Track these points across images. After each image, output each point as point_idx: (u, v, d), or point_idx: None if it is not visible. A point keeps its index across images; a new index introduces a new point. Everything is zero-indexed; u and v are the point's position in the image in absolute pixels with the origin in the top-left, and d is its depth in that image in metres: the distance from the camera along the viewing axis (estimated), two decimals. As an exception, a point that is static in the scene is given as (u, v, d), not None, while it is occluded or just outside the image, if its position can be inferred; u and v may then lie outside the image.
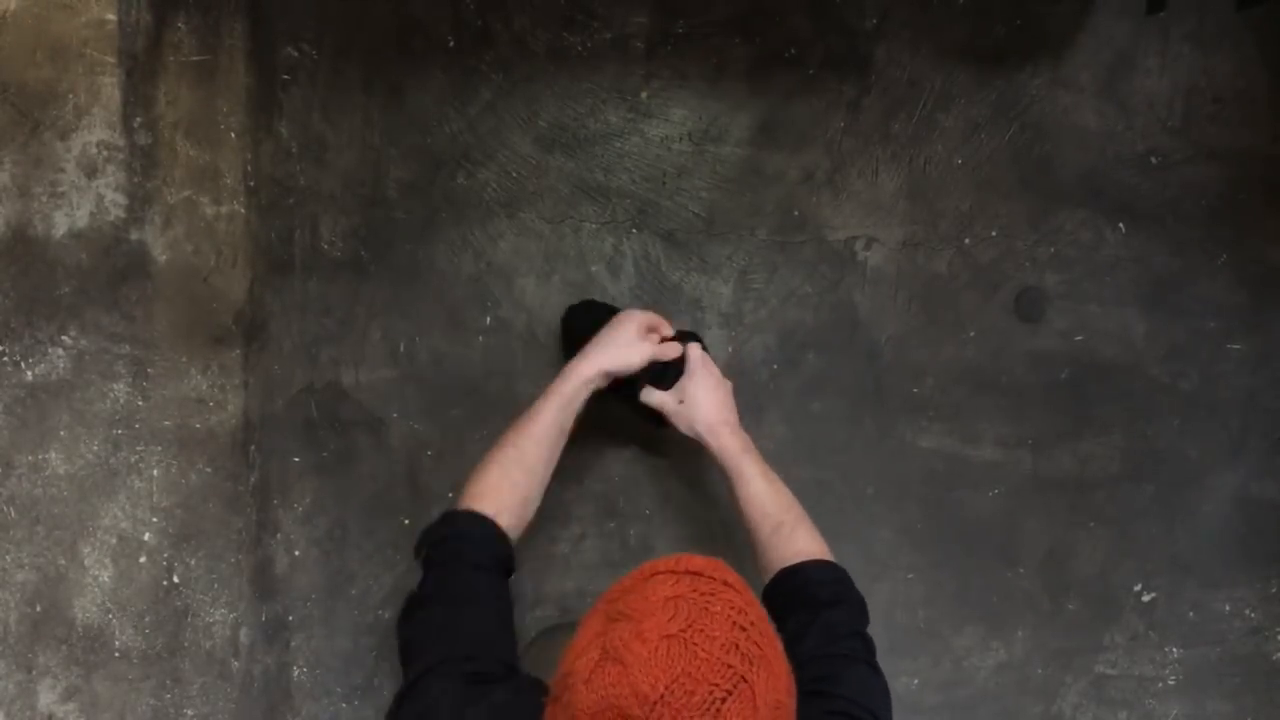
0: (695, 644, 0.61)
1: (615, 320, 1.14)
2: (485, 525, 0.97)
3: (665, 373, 1.16)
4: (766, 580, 1.03)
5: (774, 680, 0.64)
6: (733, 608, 0.65)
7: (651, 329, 1.16)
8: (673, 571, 0.67)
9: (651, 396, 1.15)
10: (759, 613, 0.67)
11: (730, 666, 0.61)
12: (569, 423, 1.08)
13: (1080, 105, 1.35)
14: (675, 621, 0.62)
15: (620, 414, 1.24)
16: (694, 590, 0.65)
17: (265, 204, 1.35)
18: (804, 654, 0.69)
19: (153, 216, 1.35)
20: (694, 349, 1.16)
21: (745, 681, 0.62)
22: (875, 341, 1.34)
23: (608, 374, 1.11)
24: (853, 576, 1.30)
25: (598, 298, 1.32)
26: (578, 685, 0.62)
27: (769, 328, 1.34)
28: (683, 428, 1.14)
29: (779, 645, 0.67)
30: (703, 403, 1.13)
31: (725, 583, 0.67)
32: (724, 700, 0.60)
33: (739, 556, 1.30)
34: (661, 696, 0.60)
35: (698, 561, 0.68)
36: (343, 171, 1.35)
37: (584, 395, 1.09)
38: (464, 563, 0.94)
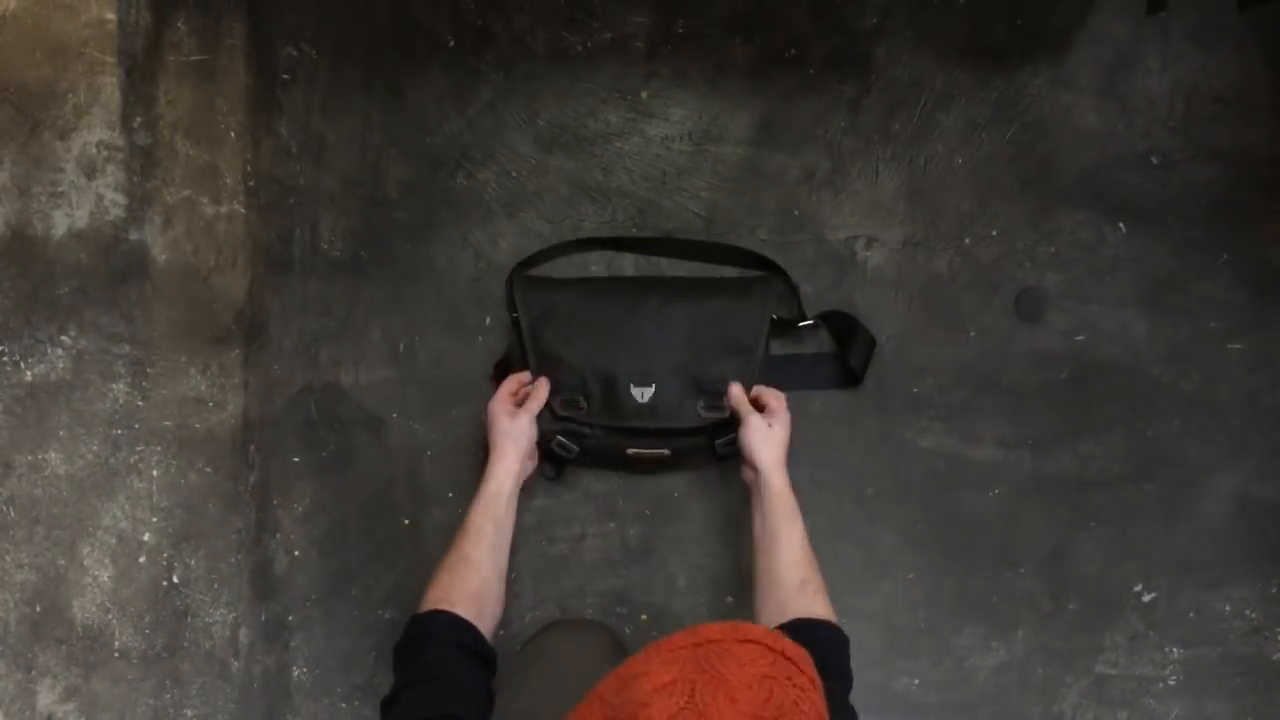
0: None
1: (490, 421, 1.19)
2: (444, 615, 1.01)
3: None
4: (769, 615, 1.05)
5: None
6: (817, 713, 0.64)
7: (513, 394, 1.22)
8: (768, 647, 0.65)
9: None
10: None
11: None
12: (506, 515, 1.14)
13: (1080, 105, 1.35)
14: (769, 707, 0.61)
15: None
16: (788, 679, 0.63)
17: (265, 204, 1.35)
18: None
19: (152, 216, 1.35)
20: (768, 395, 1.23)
21: None
22: (875, 341, 1.34)
23: (522, 463, 1.18)
24: (853, 577, 1.30)
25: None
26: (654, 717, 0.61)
27: (769, 328, 1.33)
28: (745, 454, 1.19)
29: None
30: (775, 440, 1.18)
31: (812, 681, 0.65)
32: None
33: (738, 556, 1.30)
34: None
35: (790, 648, 0.66)
36: (343, 171, 1.35)
37: (509, 486, 1.15)
38: (429, 649, 0.98)
